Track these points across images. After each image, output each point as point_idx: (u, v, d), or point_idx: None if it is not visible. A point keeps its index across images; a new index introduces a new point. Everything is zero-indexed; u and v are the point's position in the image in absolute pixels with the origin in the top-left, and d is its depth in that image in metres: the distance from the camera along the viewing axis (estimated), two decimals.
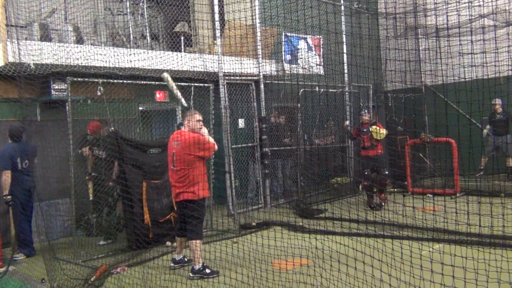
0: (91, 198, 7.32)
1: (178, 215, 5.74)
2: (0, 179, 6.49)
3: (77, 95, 7.15)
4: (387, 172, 9.11)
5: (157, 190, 6.93)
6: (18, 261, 6.51)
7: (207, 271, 5.25)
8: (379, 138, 8.87)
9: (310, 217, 8.18)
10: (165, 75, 5.91)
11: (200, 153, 5.34)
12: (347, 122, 10.38)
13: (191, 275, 5.24)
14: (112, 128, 7.17)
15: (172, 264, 5.69)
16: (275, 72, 9.91)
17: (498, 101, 10.44)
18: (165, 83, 5.99)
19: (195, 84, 7.82)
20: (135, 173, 6.80)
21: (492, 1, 9.25)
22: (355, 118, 11.37)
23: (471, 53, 5.62)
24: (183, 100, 6.04)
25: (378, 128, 8.87)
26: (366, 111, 9.29)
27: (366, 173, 8.91)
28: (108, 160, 7.05)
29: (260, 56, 9.41)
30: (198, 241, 5.29)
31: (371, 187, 8.91)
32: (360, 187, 10.71)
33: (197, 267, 5.24)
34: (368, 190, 8.99)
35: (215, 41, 8.98)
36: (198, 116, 5.49)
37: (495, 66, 5.57)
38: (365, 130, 9.01)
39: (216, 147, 5.58)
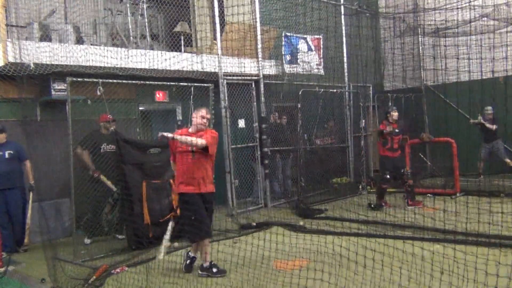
0: (115, 189, 7.09)
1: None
2: (24, 169, 6.99)
3: (77, 95, 7.15)
4: (409, 171, 8.74)
5: (157, 190, 6.93)
6: (18, 261, 6.51)
7: (214, 270, 5.21)
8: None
9: (310, 217, 8.18)
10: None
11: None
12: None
13: (200, 272, 5.26)
14: (112, 128, 7.17)
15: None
16: (275, 72, 9.92)
17: (490, 109, 10.55)
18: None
19: (195, 84, 7.82)
20: (135, 173, 6.79)
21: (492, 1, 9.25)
22: (355, 118, 11.39)
23: (470, 53, 5.63)
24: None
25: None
26: (395, 108, 8.73)
27: (388, 176, 8.50)
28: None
29: (260, 56, 9.41)
30: (205, 240, 5.23)
31: (385, 190, 8.76)
32: (361, 186, 10.71)
33: (206, 265, 5.23)
34: (383, 193, 8.75)
35: (215, 41, 8.98)
36: (203, 113, 5.16)
37: (494, 66, 5.58)
38: (397, 130, 8.52)
39: (198, 142, 4.92)
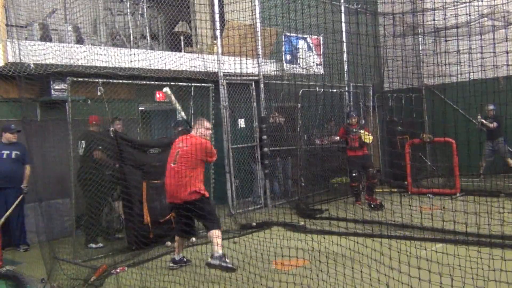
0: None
1: (177, 215, 5.72)
2: (24, 172, 7.15)
3: (77, 95, 7.15)
4: (375, 171, 9.47)
5: (157, 190, 6.92)
6: (18, 261, 6.51)
7: (228, 260, 5.08)
8: (367, 142, 9.31)
9: (310, 217, 8.17)
10: (167, 90, 5.83)
11: (205, 158, 5.51)
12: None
13: (210, 260, 5.02)
14: (112, 128, 7.17)
15: (171, 264, 5.68)
16: (275, 72, 9.91)
17: (491, 107, 10.59)
18: (167, 99, 5.97)
19: (195, 84, 7.82)
20: (135, 173, 6.79)
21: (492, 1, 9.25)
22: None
23: (470, 53, 5.63)
24: (182, 113, 6.01)
25: (366, 132, 9.26)
26: (354, 113, 9.54)
27: (354, 174, 9.09)
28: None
29: (260, 56, 9.40)
30: (217, 230, 5.22)
31: (359, 188, 9.24)
32: (361, 186, 10.70)
33: (217, 254, 5.01)
34: (356, 191, 9.23)
35: (215, 41, 8.98)
36: (208, 124, 5.72)
37: (494, 66, 5.58)
38: (354, 130, 9.18)
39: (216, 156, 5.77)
